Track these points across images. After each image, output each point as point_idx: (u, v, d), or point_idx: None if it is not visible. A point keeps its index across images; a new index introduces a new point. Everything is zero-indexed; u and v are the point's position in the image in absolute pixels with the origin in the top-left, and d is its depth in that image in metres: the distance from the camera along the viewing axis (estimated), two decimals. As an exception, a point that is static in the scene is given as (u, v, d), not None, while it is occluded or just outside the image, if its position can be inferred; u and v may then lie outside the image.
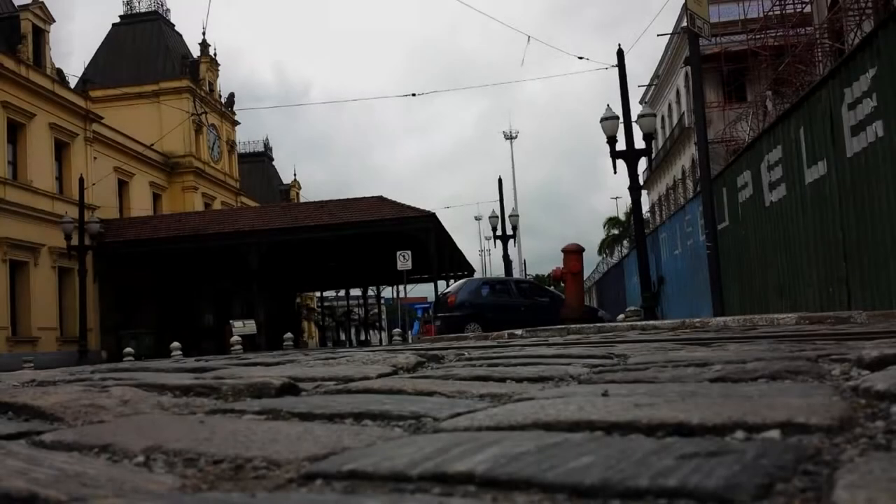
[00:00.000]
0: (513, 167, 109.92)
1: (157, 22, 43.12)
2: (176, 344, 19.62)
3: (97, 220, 26.80)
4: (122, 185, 34.79)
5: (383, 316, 58.43)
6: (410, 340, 27.70)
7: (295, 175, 74.82)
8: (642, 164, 17.91)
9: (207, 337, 32.36)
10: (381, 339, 50.88)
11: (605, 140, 15.94)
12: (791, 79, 22.56)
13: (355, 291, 52.01)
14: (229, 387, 2.12)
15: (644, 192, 36.65)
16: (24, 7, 28.86)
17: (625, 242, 36.37)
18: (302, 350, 19.03)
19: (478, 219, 55.47)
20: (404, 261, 25.21)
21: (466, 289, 20.20)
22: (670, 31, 32.78)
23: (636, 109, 19.79)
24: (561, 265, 17.80)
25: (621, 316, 16.78)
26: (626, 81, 16.61)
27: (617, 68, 16.68)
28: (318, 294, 57.24)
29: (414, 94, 27.85)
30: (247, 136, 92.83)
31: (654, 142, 21.57)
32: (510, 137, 56.85)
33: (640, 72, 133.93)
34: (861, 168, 8.96)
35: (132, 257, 29.74)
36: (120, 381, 2.53)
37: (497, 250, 63.94)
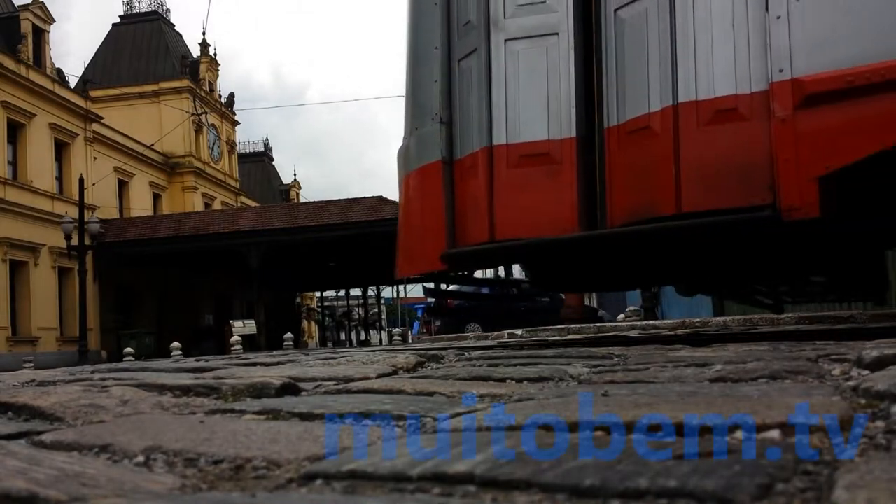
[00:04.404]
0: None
1: (157, 22, 43.10)
2: (176, 344, 19.62)
3: (97, 220, 26.75)
4: (122, 185, 34.76)
5: (383, 316, 58.37)
6: (410, 340, 27.71)
7: (295, 175, 74.97)
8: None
9: (207, 337, 32.34)
10: (381, 339, 50.82)
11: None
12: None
13: (355, 291, 51.96)
14: (229, 387, 2.12)
15: (644, 192, 36.57)
16: (24, 7, 28.84)
17: (625, 242, 36.23)
18: (302, 350, 19.02)
19: (478, 219, 55.41)
20: (404, 261, 25.15)
21: (466, 289, 20.21)
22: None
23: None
24: (561, 265, 17.74)
25: (621, 316, 16.77)
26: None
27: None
28: (318, 294, 57.20)
29: (414, 94, 27.71)
30: (246, 136, 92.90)
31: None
32: (510, 137, 56.84)
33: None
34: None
35: (132, 257, 29.71)
36: (120, 381, 2.52)
37: (497, 250, 63.84)
